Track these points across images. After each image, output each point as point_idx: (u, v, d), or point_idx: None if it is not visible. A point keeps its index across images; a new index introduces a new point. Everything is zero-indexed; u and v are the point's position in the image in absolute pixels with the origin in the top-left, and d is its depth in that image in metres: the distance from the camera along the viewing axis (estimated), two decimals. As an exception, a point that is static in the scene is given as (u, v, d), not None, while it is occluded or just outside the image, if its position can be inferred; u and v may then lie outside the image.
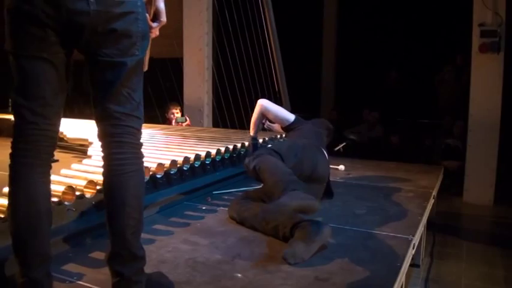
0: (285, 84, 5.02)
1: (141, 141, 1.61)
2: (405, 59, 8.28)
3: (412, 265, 3.19)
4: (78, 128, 4.53)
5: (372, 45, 8.53)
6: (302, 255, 1.93)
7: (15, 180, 1.46)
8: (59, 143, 4.51)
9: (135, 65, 1.53)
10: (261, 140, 3.69)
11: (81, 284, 1.71)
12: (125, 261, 1.51)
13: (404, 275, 2.03)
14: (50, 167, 1.53)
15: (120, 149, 1.53)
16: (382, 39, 8.45)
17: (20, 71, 1.45)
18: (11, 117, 3.93)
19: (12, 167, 1.47)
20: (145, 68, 1.70)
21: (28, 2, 1.38)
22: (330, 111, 8.43)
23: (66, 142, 4.36)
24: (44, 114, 1.46)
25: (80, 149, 4.06)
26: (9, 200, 1.47)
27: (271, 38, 4.96)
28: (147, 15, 1.61)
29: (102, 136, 1.56)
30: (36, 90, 1.45)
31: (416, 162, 4.61)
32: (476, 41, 5.07)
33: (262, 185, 2.66)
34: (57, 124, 1.52)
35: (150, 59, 1.73)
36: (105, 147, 1.56)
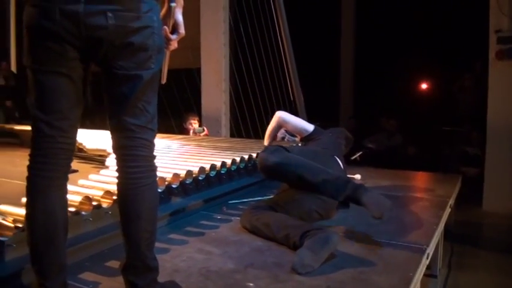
0: (300, 93, 5.05)
1: (154, 153, 1.65)
2: (423, 66, 8.24)
3: (429, 275, 3.17)
4: (97, 139, 4.61)
5: (390, 52, 8.50)
6: (311, 264, 1.94)
7: (32, 192, 1.50)
8: (79, 153, 4.64)
9: (151, 78, 1.57)
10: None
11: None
12: (139, 272, 1.56)
13: (417, 285, 2.03)
14: (67, 179, 1.58)
15: (135, 163, 1.57)
16: (399, 46, 8.42)
17: (38, 86, 1.49)
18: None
19: (30, 179, 1.51)
20: (164, 81, 1.74)
21: (48, 19, 1.43)
22: (348, 119, 8.42)
23: (86, 153, 4.45)
24: (61, 127, 1.51)
25: (99, 160, 4.14)
26: (26, 211, 1.51)
27: (286, 49, 5.00)
28: (165, 27, 1.66)
29: (116, 148, 1.60)
30: (53, 104, 1.49)
31: (434, 171, 4.58)
32: (493, 47, 5.04)
33: (277, 192, 2.70)
34: (74, 137, 1.57)
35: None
36: (119, 160, 1.60)
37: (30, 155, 1.52)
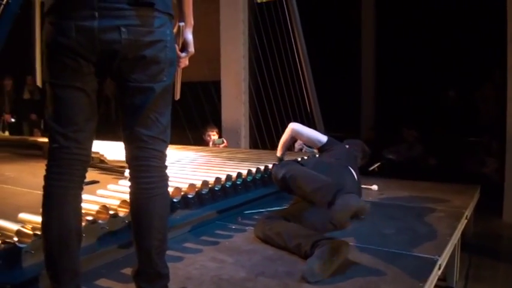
0: (317, 104, 5.09)
1: (169, 163, 1.71)
2: (445, 76, 8.19)
3: (445, 287, 3.17)
4: (118, 150, 4.71)
5: (411, 62, 8.48)
6: (321, 273, 1.97)
7: (48, 200, 1.56)
8: (100, 164, 4.73)
9: (163, 90, 1.62)
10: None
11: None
12: (150, 279, 1.63)
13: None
14: (82, 189, 1.64)
15: (147, 173, 1.63)
16: (420, 55, 8.39)
17: (54, 99, 1.56)
18: None
19: (46, 189, 1.57)
20: (177, 97, 1.80)
21: (65, 35, 1.50)
22: (368, 130, 8.41)
23: (107, 164, 4.54)
24: (76, 139, 1.57)
25: (119, 171, 4.23)
26: (42, 218, 1.57)
27: (302, 61, 5.05)
28: (175, 45, 1.71)
29: (129, 159, 1.66)
30: (69, 117, 1.56)
31: (454, 182, 4.54)
32: (510, 56, 4.98)
33: (292, 203, 2.73)
34: (89, 148, 1.63)
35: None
36: (132, 171, 1.66)
37: (46, 165, 1.58)
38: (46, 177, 1.58)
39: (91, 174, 4.59)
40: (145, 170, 1.63)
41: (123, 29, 1.51)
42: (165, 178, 1.69)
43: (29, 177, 4.48)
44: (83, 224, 2.03)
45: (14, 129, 9.39)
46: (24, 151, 6.64)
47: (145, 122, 1.60)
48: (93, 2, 1.49)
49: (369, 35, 9.49)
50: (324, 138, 3.24)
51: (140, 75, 1.57)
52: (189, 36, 1.77)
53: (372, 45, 9.44)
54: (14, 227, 1.88)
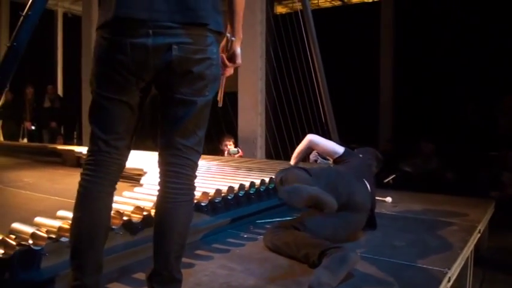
0: (332, 116, 5.11)
1: (196, 174, 1.78)
2: (463, 89, 8.15)
3: (457, 302, 3.15)
4: (135, 159, 4.77)
5: (430, 74, 8.46)
6: (328, 282, 1.97)
7: (83, 196, 1.66)
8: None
9: (204, 105, 1.72)
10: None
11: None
12: (164, 281, 1.68)
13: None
14: (115, 189, 1.74)
15: (177, 179, 1.71)
16: (439, 68, 8.36)
17: (99, 109, 1.67)
18: (75, 148, 4.24)
19: (82, 184, 1.66)
20: (220, 104, 1.92)
21: (120, 52, 1.59)
22: (385, 142, 8.39)
23: (124, 172, 4.61)
24: (116, 146, 1.68)
25: (135, 178, 4.29)
26: (74, 211, 1.66)
27: (318, 73, 5.08)
28: (223, 55, 1.83)
29: (162, 164, 1.73)
30: (112, 126, 1.67)
31: (471, 196, 4.51)
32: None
33: (303, 212, 2.75)
34: (127, 155, 1.75)
35: None
36: (163, 175, 1.73)
37: (84, 163, 1.69)
38: (83, 174, 1.67)
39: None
40: (176, 176, 1.70)
41: (175, 47, 1.60)
42: (194, 187, 1.77)
43: (48, 184, 4.57)
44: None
45: (34, 137, 9.57)
46: (43, 158, 6.75)
47: (184, 133, 1.70)
48: (148, 21, 1.58)
49: (388, 47, 9.50)
50: (340, 149, 3.23)
51: (186, 89, 1.66)
52: (238, 49, 1.89)
53: (390, 57, 9.45)
54: (30, 229, 1.93)
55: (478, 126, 7.58)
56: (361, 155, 3.30)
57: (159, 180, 1.73)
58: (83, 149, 6.22)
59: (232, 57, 1.89)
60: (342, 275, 2.04)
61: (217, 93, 1.85)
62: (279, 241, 2.45)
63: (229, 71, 1.90)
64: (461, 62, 8.23)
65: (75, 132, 9.81)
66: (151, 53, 1.59)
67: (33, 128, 9.57)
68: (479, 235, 3.27)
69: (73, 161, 5.92)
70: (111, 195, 1.72)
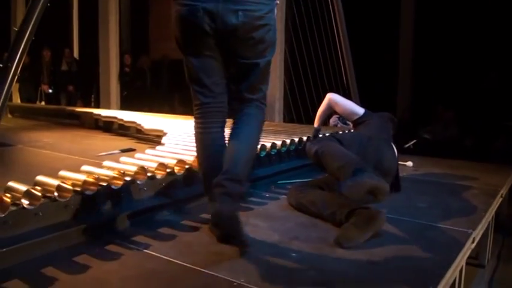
0: (354, 79, 5.03)
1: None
2: (486, 56, 7.98)
3: (477, 265, 3.14)
4: (155, 121, 4.79)
5: (451, 40, 8.27)
6: (355, 239, 1.98)
7: (200, 143, 2.04)
8: (136, 134, 4.83)
9: (265, 64, 2.01)
10: (327, 134, 3.74)
11: (147, 253, 1.87)
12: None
13: (460, 268, 2.04)
14: (224, 128, 2.07)
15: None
16: (461, 33, 8.18)
17: (192, 65, 1.97)
18: (93, 110, 4.34)
19: (198, 130, 2.04)
20: None
21: (194, 16, 1.86)
22: (403, 110, 8.30)
23: (143, 133, 4.64)
24: (213, 95, 1.99)
25: (155, 140, 4.31)
26: (198, 155, 2.09)
27: (341, 34, 4.99)
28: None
29: (234, 112, 2.04)
30: (205, 78, 1.96)
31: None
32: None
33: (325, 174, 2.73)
34: (225, 101, 2.04)
35: None
36: (236, 123, 2.04)
37: (195, 115, 2.05)
38: (196, 123, 2.05)
39: (128, 143, 4.72)
40: (248, 120, 2.03)
41: (240, 13, 1.85)
42: (262, 122, 2.10)
43: (68, 144, 4.61)
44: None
45: (51, 100, 9.61)
46: (61, 120, 6.81)
47: (251, 89, 2.01)
48: None
49: (408, 13, 9.28)
50: (360, 110, 3.17)
51: (249, 53, 1.94)
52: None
53: (411, 23, 9.23)
54: (55, 182, 1.95)
55: (500, 95, 7.46)
56: (379, 118, 3.26)
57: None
58: (101, 111, 6.26)
59: None
60: (370, 234, 2.04)
61: None
62: (304, 199, 2.44)
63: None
64: (485, 28, 8.04)
65: (92, 96, 9.80)
66: (220, 17, 1.84)
67: (50, 91, 9.60)
68: (501, 199, 3.24)
69: (91, 123, 5.97)
70: (223, 133, 2.06)
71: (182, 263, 1.77)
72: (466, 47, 8.13)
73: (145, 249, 1.90)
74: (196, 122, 2.05)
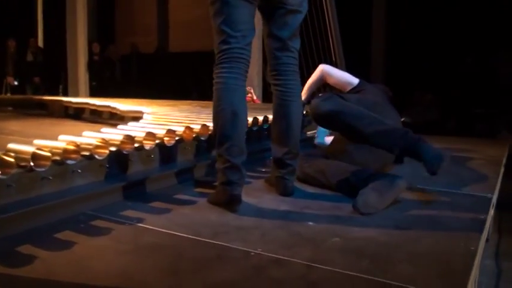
0: (342, 55, 4.84)
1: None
2: (462, 37, 7.92)
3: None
4: (128, 105, 4.51)
5: (425, 19, 8.19)
6: (375, 205, 1.78)
7: (222, 90, 1.86)
8: (109, 121, 4.55)
9: (304, 15, 2.07)
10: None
11: (142, 226, 1.63)
12: (294, 157, 2.03)
13: (488, 228, 1.88)
14: (245, 81, 1.94)
15: (294, 77, 2.07)
16: (435, 12, 8.11)
17: (227, 9, 1.85)
18: (63, 98, 4.03)
19: (219, 80, 1.87)
20: None
21: None
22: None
23: (118, 120, 4.37)
24: (242, 41, 1.87)
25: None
26: (216, 106, 1.85)
27: (329, 9, 4.78)
28: None
29: (278, 65, 2.04)
30: (238, 23, 1.86)
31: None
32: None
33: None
34: (250, 50, 1.93)
35: None
36: (282, 74, 2.05)
37: (217, 62, 1.89)
38: (218, 72, 1.88)
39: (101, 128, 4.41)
40: (293, 74, 2.07)
41: None
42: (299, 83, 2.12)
43: (36, 131, 4.34)
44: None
45: (16, 92, 9.18)
46: (28, 111, 6.48)
47: (294, 37, 2.05)
48: None
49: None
50: (355, 80, 2.94)
51: (292, 1, 1.97)
52: None
53: (384, 5, 9.11)
54: (30, 149, 1.68)
55: (477, 78, 7.43)
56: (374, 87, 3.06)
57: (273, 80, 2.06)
58: (72, 99, 5.94)
59: None
60: (390, 199, 1.85)
61: None
62: (310, 168, 2.22)
63: None
64: (458, 13, 7.96)
65: (60, 86, 9.38)
66: None
67: (15, 83, 9.17)
68: (503, 169, 3.09)
69: (61, 111, 5.67)
70: (245, 87, 1.94)
71: (186, 235, 1.52)
72: (441, 31, 8.05)
73: (139, 223, 1.65)
74: (221, 68, 1.88)
